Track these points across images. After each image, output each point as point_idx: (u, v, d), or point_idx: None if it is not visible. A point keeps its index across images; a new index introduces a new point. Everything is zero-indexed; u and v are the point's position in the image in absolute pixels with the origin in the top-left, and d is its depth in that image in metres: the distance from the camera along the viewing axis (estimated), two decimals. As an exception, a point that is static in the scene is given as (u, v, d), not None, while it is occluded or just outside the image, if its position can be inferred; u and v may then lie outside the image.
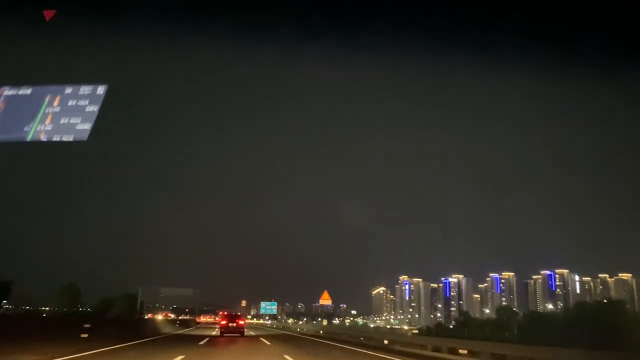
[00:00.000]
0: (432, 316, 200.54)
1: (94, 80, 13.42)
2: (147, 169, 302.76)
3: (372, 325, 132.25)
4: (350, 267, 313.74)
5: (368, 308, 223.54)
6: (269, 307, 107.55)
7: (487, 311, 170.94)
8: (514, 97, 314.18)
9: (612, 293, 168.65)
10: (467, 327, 63.79)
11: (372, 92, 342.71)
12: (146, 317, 68.62)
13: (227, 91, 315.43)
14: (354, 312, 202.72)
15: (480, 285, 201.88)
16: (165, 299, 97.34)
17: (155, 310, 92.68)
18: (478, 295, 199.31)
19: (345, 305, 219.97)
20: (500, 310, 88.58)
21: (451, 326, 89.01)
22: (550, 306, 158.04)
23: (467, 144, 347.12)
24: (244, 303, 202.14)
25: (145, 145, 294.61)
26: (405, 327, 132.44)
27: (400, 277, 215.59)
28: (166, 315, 78.53)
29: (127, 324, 27.53)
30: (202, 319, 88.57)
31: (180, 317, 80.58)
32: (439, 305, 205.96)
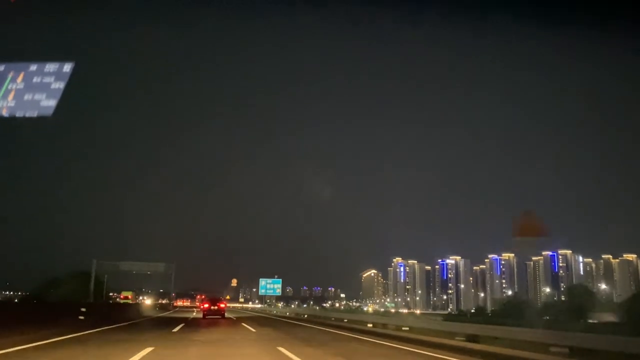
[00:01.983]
0: (434, 299, 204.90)
1: (61, 58, 14.01)
2: (118, 144, 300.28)
3: (367, 309, 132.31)
4: (339, 250, 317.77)
5: (357, 291, 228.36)
6: (271, 285, 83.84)
7: (510, 292, 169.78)
8: (518, 69, 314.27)
9: (616, 275, 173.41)
10: (517, 311, 46.28)
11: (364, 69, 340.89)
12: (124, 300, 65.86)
13: (203, 73, 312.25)
14: (342, 295, 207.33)
15: (478, 267, 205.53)
16: (134, 279, 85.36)
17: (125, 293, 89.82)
18: (471, 278, 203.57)
19: (333, 289, 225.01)
20: (574, 290, 72.37)
21: (489, 311, 73.42)
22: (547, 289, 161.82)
23: (462, 119, 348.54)
24: (234, 282, 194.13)
25: (116, 119, 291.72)
26: (418, 311, 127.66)
27: (394, 259, 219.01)
28: (125, 297, 68.70)
29: (72, 310, 21.63)
30: (179, 302, 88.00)
31: (159, 301, 79.06)
32: (437, 288, 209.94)
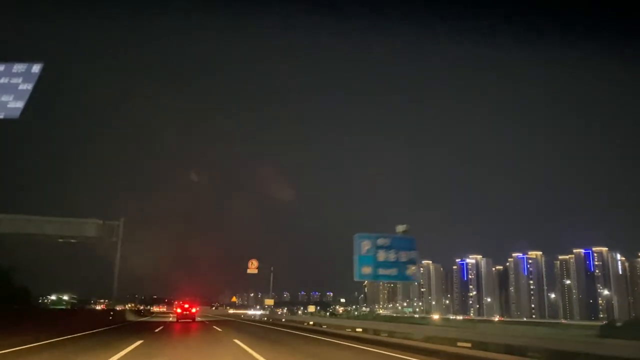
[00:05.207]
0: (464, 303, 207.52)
1: (30, 59, 15.85)
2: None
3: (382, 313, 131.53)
4: (338, 251, 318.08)
5: (357, 296, 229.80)
6: (390, 254, 32.79)
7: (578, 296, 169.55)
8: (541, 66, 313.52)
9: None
10: None
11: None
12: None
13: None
14: (342, 300, 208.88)
15: (494, 267, 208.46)
16: (47, 258, 58.43)
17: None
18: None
19: (332, 293, 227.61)
20: None
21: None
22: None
23: (485, 111, 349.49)
24: (253, 265, 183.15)
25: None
26: (496, 319, 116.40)
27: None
28: None
29: None
30: (155, 309, 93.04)
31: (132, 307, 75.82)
32: (455, 291, 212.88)
